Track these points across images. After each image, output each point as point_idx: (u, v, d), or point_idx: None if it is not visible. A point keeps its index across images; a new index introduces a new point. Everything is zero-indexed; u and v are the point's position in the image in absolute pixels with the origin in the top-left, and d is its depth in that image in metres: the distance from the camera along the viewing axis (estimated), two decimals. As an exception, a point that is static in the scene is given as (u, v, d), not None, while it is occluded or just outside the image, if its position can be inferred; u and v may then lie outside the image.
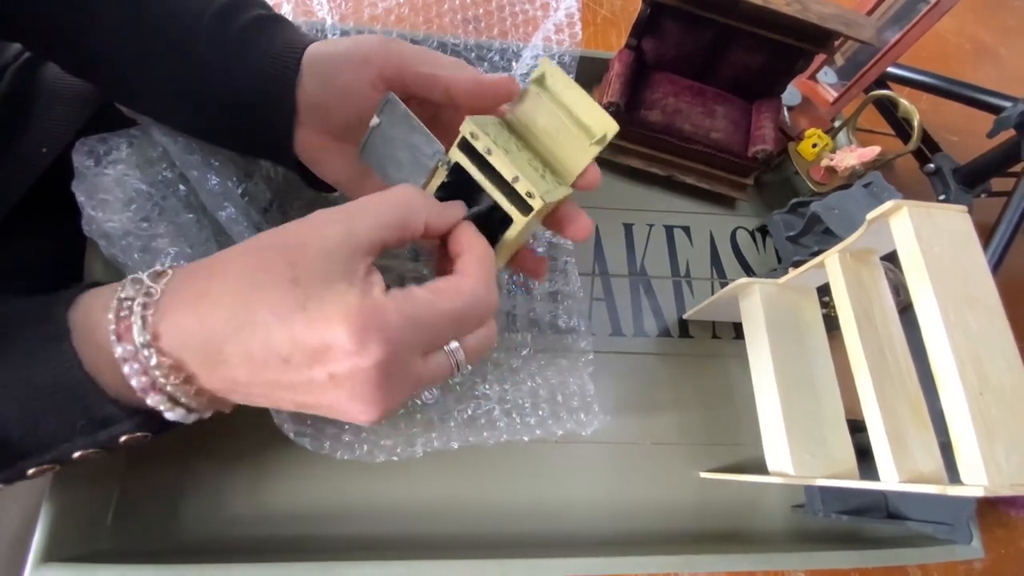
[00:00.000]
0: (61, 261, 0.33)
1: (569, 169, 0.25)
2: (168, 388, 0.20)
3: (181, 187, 0.29)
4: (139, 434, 0.22)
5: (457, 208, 0.24)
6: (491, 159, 0.22)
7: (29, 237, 0.35)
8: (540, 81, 0.24)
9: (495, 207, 0.24)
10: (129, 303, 0.20)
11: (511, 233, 0.24)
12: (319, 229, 0.20)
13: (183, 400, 0.21)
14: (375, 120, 0.25)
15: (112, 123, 0.32)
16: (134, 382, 0.20)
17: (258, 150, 0.31)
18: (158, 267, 0.21)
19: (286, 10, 0.38)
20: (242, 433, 0.33)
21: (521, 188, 0.22)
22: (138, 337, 0.19)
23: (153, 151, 0.29)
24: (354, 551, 0.31)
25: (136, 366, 0.20)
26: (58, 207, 0.32)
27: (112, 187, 0.27)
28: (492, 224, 0.24)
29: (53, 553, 0.27)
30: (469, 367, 0.24)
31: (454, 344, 0.22)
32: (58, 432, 0.21)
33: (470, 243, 0.23)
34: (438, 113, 0.29)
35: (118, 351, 0.20)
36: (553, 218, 0.27)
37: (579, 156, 0.24)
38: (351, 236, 0.20)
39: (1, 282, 0.34)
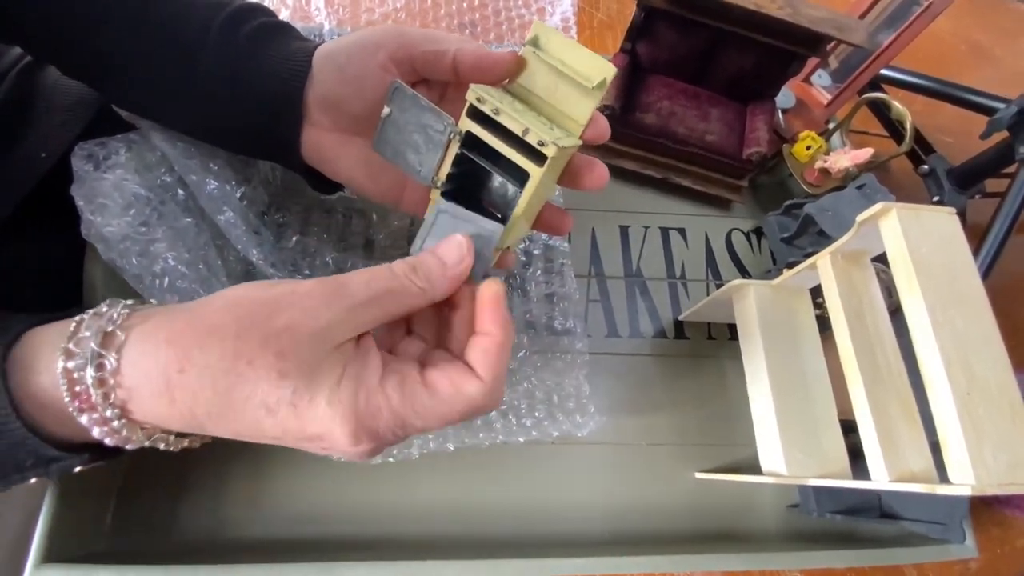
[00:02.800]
0: (61, 265, 0.34)
1: (576, 120, 0.25)
2: (142, 441, 0.20)
3: (180, 191, 0.30)
4: (95, 464, 0.22)
5: (462, 257, 0.23)
6: (500, 118, 0.23)
7: (29, 241, 0.35)
8: (534, 42, 0.24)
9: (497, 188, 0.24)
10: (80, 374, 0.19)
11: (530, 187, 0.24)
12: (309, 315, 0.19)
13: (160, 445, 0.22)
14: (386, 110, 0.25)
15: (111, 127, 0.32)
16: (108, 441, 0.20)
17: (264, 151, 0.31)
18: (104, 319, 0.19)
19: (284, 15, 0.38)
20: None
21: (532, 139, 0.22)
22: (105, 411, 0.19)
23: (152, 155, 0.30)
24: (351, 552, 0.31)
25: (106, 429, 0.19)
26: (58, 211, 0.32)
27: (111, 191, 0.27)
28: (504, 200, 0.25)
29: (53, 554, 0.27)
30: None
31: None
32: (5, 470, 0.20)
33: (489, 324, 0.22)
34: (445, 93, 0.29)
35: (83, 420, 0.19)
36: (568, 174, 0.27)
37: (582, 105, 0.24)
38: (345, 324, 0.20)
39: (2, 285, 0.34)
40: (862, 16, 0.45)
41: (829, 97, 0.48)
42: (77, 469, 0.22)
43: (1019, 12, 0.82)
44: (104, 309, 0.20)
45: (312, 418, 0.19)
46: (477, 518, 0.34)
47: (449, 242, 0.23)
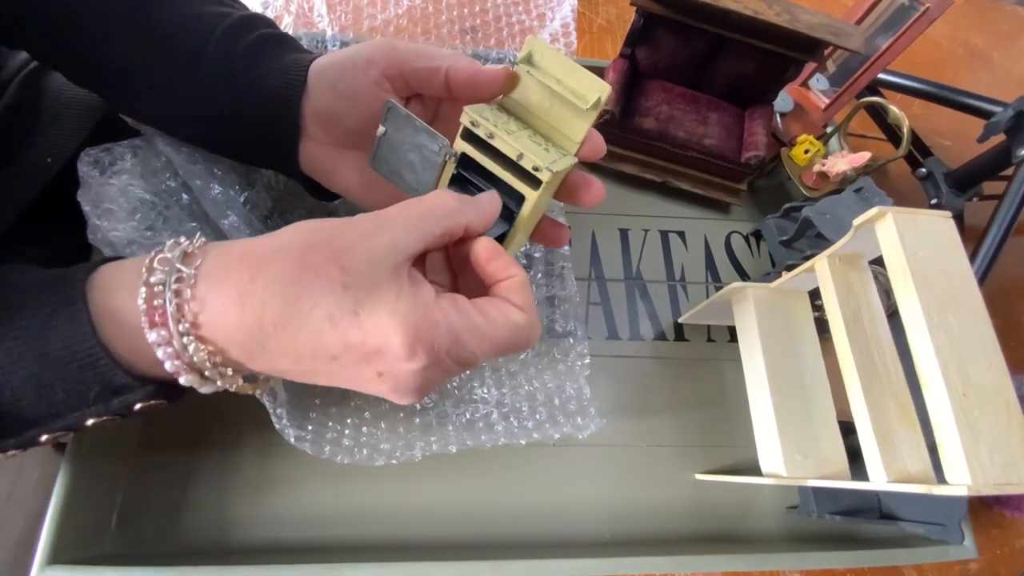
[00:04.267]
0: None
1: (570, 138, 0.25)
2: (204, 370, 0.21)
3: (184, 196, 0.30)
4: (154, 402, 0.22)
5: (492, 200, 0.24)
6: (494, 142, 0.23)
7: (35, 246, 0.35)
8: (528, 59, 0.24)
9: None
10: (160, 288, 0.20)
11: (525, 210, 0.24)
12: (366, 236, 0.21)
13: (216, 380, 0.21)
14: (381, 129, 0.25)
15: (116, 133, 0.33)
16: (168, 365, 0.20)
17: (264, 161, 0.31)
18: (184, 244, 0.21)
19: (287, 22, 0.39)
20: (244, 438, 0.33)
21: (527, 164, 0.23)
22: (176, 326, 0.20)
23: (157, 161, 0.30)
24: (354, 553, 0.31)
25: (170, 350, 0.20)
26: (63, 216, 0.32)
27: (117, 197, 0.27)
28: (505, 211, 0.25)
29: (59, 555, 0.28)
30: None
31: None
32: (70, 401, 0.21)
33: (510, 268, 0.23)
34: (438, 110, 0.30)
35: (151, 337, 0.20)
36: (565, 189, 0.28)
37: (577, 124, 0.24)
38: (396, 245, 0.21)
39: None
40: (859, 21, 0.45)
41: (827, 101, 0.48)
42: (137, 407, 0.22)
43: (1016, 15, 0.82)
44: (182, 240, 0.21)
45: (372, 327, 0.19)
46: (479, 520, 0.34)
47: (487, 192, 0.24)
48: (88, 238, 0.28)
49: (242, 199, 0.31)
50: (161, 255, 0.21)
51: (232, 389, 0.23)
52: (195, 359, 0.20)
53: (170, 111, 0.29)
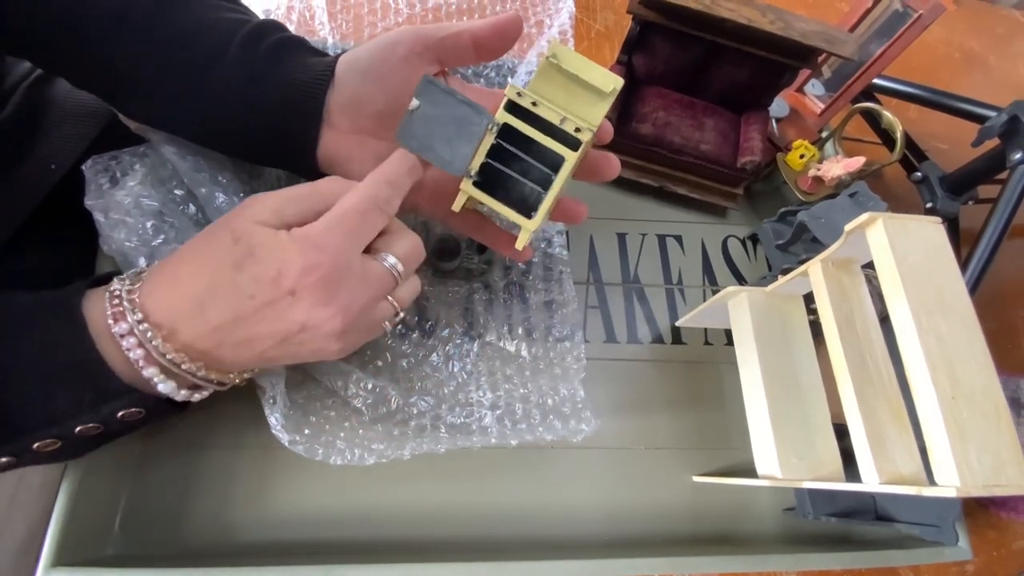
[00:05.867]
0: (72, 273, 0.35)
1: (589, 123, 0.27)
2: (166, 356, 0.24)
3: (191, 206, 0.30)
4: (134, 409, 0.25)
5: (399, 159, 0.27)
6: (538, 110, 0.26)
7: (39, 250, 0.36)
8: (553, 56, 0.27)
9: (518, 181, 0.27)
10: (118, 292, 0.24)
11: (564, 171, 0.26)
12: (251, 205, 0.25)
13: (175, 370, 0.24)
14: (414, 103, 0.26)
15: (120, 139, 0.33)
16: (132, 355, 0.23)
17: (276, 156, 0.32)
18: (138, 268, 0.26)
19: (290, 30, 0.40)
20: (243, 443, 0.34)
21: (570, 126, 0.25)
22: (131, 316, 0.23)
23: (163, 169, 0.31)
24: (353, 555, 0.31)
25: (133, 339, 0.23)
26: (68, 220, 0.33)
27: (130, 207, 0.28)
28: (524, 202, 0.27)
29: (62, 558, 0.28)
30: (405, 275, 0.27)
31: (390, 258, 0.26)
32: (66, 408, 0.24)
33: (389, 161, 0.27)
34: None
35: (116, 329, 0.23)
36: (587, 166, 0.31)
37: (596, 108, 0.27)
38: (277, 211, 0.25)
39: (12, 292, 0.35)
40: (852, 28, 0.46)
41: (822, 106, 0.49)
42: (120, 414, 0.25)
43: (1013, 18, 0.83)
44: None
45: (267, 257, 0.23)
46: (478, 521, 0.35)
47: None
48: (101, 248, 0.29)
49: (245, 206, 0.31)
50: (122, 275, 0.25)
51: (202, 383, 0.26)
52: (155, 344, 0.24)
53: (182, 111, 0.30)
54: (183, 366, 0.24)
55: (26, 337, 0.23)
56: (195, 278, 0.24)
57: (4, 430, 0.23)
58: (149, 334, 0.23)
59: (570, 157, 0.26)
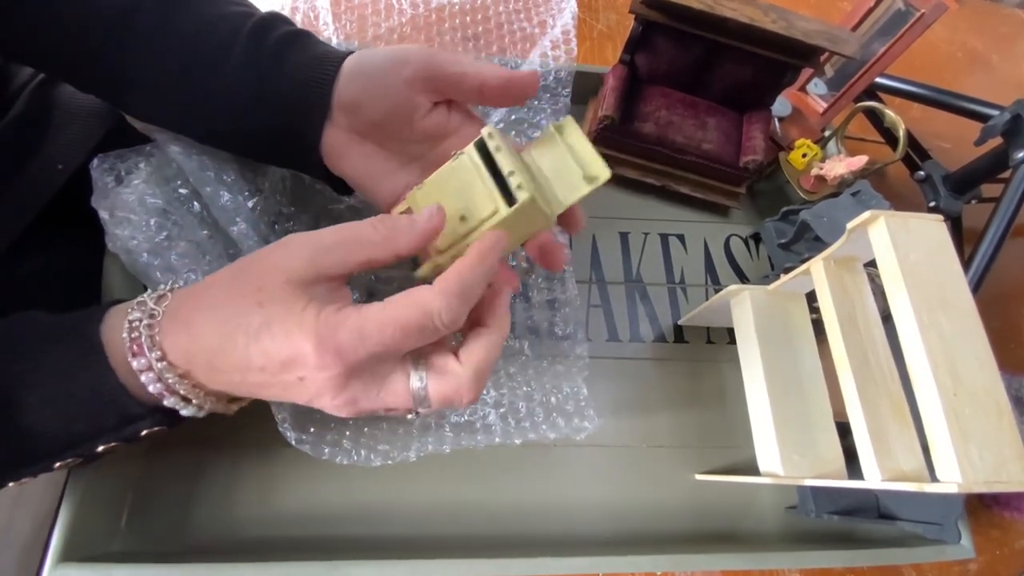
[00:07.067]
0: (79, 273, 0.35)
1: (561, 202, 0.27)
2: (180, 391, 0.24)
3: (195, 204, 0.31)
4: (157, 428, 0.25)
5: (430, 217, 0.24)
6: (497, 155, 0.25)
7: (47, 251, 0.36)
8: (559, 128, 0.28)
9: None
10: (137, 324, 0.23)
11: (492, 222, 0.25)
12: (285, 257, 0.23)
13: (194, 400, 0.24)
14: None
15: (125, 139, 0.33)
16: (151, 388, 0.23)
17: (283, 151, 0.32)
18: (161, 289, 0.25)
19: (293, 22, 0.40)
20: (249, 440, 0.34)
21: (514, 181, 0.25)
22: (149, 353, 0.23)
23: (168, 168, 0.31)
24: (357, 551, 0.32)
25: (151, 375, 0.23)
26: (75, 221, 0.33)
27: (134, 205, 0.28)
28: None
29: (70, 553, 0.28)
30: (429, 407, 0.24)
31: (422, 378, 0.23)
32: (89, 431, 0.24)
33: (462, 260, 0.24)
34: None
35: (135, 364, 0.23)
36: (535, 246, 0.30)
37: (572, 191, 0.27)
38: (312, 263, 0.23)
39: (21, 295, 0.35)
40: (855, 28, 0.46)
41: (825, 105, 0.49)
42: (143, 433, 0.25)
43: (1016, 17, 0.82)
44: (163, 287, 0.25)
45: (283, 338, 0.22)
46: (482, 518, 0.35)
47: (427, 207, 0.25)
48: (107, 246, 0.29)
49: (250, 204, 0.32)
50: (141, 298, 0.24)
51: (217, 410, 0.26)
52: (171, 382, 0.23)
53: (189, 111, 0.30)
54: (197, 401, 0.24)
55: (47, 367, 0.23)
56: (210, 331, 0.23)
57: (26, 456, 0.24)
58: (167, 374, 0.23)
59: (501, 210, 0.25)
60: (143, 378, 0.23)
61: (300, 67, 0.29)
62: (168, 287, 0.25)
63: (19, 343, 0.24)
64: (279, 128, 0.30)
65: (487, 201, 0.25)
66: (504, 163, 0.25)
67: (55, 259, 0.36)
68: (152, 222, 0.28)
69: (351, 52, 0.30)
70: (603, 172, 0.26)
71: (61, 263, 0.36)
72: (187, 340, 0.23)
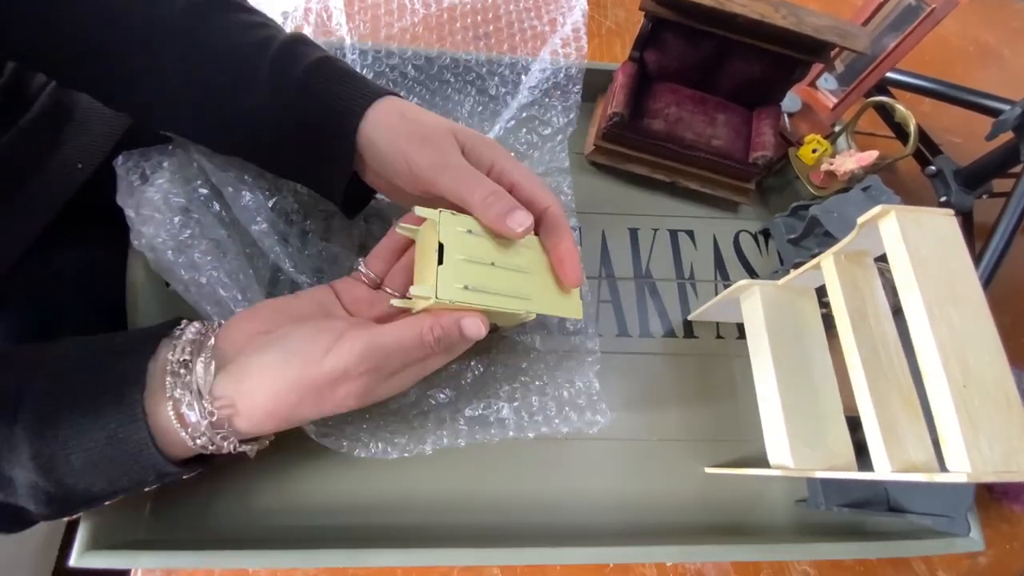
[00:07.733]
0: (103, 269, 0.36)
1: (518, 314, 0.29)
2: (228, 447, 0.27)
3: (215, 204, 0.31)
4: (195, 473, 0.28)
5: (474, 327, 0.27)
6: (464, 238, 0.27)
7: (71, 246, 0.37)
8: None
9: None
10: (183, 395, 0.25)
11: (415, 305, 0.28)
12: (351, 364, 0.26)
13: (244, 449, 0.28)
14: None
15: (145, 138, 0.34)
16: (205, 449, 0.26)
17: (312, 171, 0.32)
18: (201, 359, 0.26)
19: (307, 31, 0.40)
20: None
21: (429, 277, 0.27)
22: (200, 420, 0.25)
23: (189, 169, 0.31)
24: (375, 540, 0.32)
25: (202, 440, 0.26)
26: (97, 218, 0.34)
27: (159, 203, 0.29)
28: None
29: (97, 542, 0.29)
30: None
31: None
32: (131, 485, 0.26)
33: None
34: None
35: (183, 434, 0.25)
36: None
37: (544, 302, 0.30)
38: (376, 371, 0.27)
39: (45, 292, 0.36)
40: (865, 22, 0.46)
41: (835, 101, 0.49)
42: (184, 477, 0.28)
43: (1027, 11, 0.82)
44: (192, 335, 0.27)
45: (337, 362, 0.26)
46: (496, 509, 0.35)
47: (472, 318, 0.27)
48: (132, 243, 0.30)
49: (270, 204, 0.32)
50: (177, 355, 0.26)
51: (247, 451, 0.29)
52: (225, 444, 0.26)
53: (213, 133, 0.31)
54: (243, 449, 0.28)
55: (90, 436, 0.24)
56: (286, 415, 0.27)
57: (74, 506, 0.26)
58: (228, 440, 0.26)
59: (415, 301, 0.27)
60: (192, 443, 0.25)
61: (328, 104, 0.30)
62: (194, 333, 0.27)
63: (63, 401, 0.24)
64: (304, 161, 0.31)
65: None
66: (444, 249, 0.27)
67: (79, 254, 0.37)
68: (176, 220, 0.29)
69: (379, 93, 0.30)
70: (572, 313, 0.30)
71: (86, 257, 0.37)
72: (272, 423, 0.27)
